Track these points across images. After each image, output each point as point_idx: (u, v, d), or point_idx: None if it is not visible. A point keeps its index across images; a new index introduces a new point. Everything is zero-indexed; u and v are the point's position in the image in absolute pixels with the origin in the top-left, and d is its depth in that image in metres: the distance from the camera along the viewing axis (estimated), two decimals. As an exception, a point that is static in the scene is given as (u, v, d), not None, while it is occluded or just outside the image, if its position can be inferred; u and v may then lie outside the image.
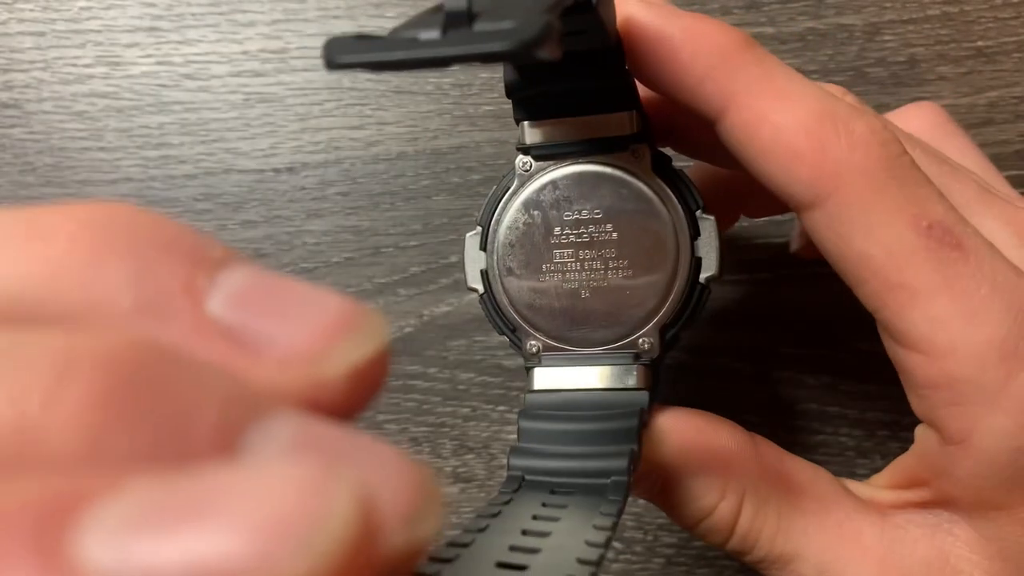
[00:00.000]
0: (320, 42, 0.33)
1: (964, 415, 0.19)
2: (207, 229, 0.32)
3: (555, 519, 0.19)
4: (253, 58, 0.33)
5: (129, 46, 0.33)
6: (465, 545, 0.17)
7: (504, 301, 0.23)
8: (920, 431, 0.21)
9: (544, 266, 0.22)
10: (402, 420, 0.31)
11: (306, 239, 0.32)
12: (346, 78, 0.33)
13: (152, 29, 0.33)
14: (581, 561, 0.16)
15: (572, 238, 0.22)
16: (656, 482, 0.22)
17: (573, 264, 0.22)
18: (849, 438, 0.30)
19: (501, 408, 0.31)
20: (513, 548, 0.17)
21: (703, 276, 0.22)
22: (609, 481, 0.20)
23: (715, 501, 0.22)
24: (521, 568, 0.16)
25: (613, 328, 0.22)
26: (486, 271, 0.23)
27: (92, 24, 0.33)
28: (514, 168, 0.23)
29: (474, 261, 0.23)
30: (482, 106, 0.32)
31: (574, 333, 0.22)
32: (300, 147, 0.32)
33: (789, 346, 0.31)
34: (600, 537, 0.17)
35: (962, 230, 0.19)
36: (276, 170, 0.32)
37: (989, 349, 0.19)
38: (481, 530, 0.18)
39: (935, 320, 0.19)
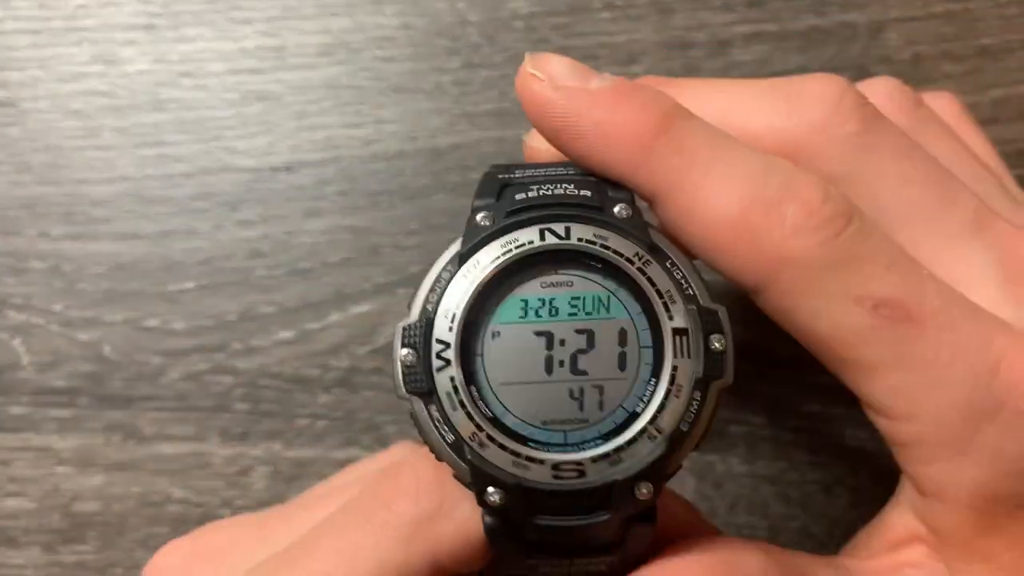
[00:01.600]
0: (318, 39, 0.33)
1: (935, 472, 0.19)
2: (204, 229, 0.32)
3: None
4: (250, 56, 0.33)
5: (125, 44, 0.33)
6: None
7: None
8: (903, 481, 0.21)
9: None
10: (402, 420, 0.31)
11: (304, 238, 0.32)
12: (344, 76, 0.32)
13: (148, 27, 0.33)
14: None
15: None
16: None
17: None
18: (853, 440, 0.30)
19: (501, 409, 0.31)
20: None
21: None
22: None
23: None
24: None
25: None
26: None
27: (88, 22, 0.33)
28: None
29: None
30: (481, 104, 0.32)
31: None
32: (298, 145, 0.32)
33: (791, 346, 0.31)
34: None
35: (918, 299, 0.18)
36: (273, 168, 0.32)
37: (951, 411, 0.18)
38: None
39: (894, 390, 0.19)
